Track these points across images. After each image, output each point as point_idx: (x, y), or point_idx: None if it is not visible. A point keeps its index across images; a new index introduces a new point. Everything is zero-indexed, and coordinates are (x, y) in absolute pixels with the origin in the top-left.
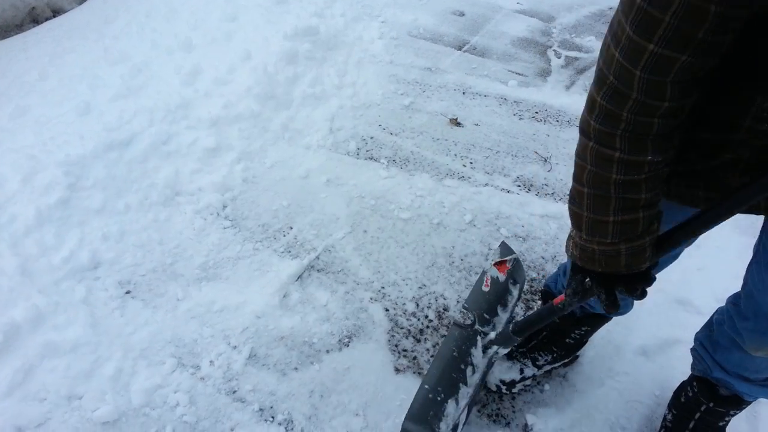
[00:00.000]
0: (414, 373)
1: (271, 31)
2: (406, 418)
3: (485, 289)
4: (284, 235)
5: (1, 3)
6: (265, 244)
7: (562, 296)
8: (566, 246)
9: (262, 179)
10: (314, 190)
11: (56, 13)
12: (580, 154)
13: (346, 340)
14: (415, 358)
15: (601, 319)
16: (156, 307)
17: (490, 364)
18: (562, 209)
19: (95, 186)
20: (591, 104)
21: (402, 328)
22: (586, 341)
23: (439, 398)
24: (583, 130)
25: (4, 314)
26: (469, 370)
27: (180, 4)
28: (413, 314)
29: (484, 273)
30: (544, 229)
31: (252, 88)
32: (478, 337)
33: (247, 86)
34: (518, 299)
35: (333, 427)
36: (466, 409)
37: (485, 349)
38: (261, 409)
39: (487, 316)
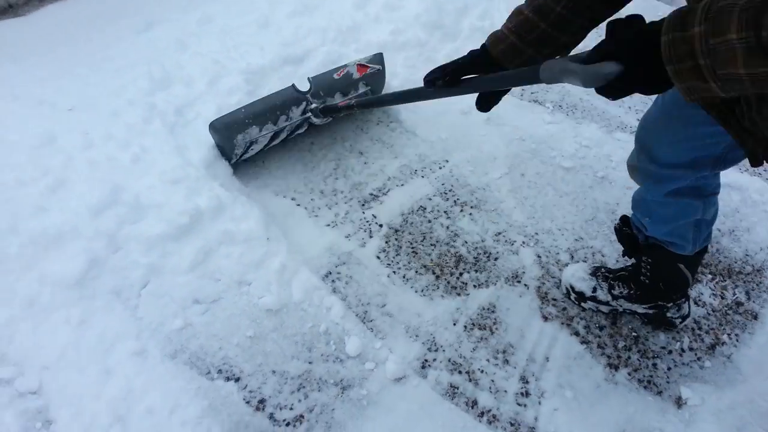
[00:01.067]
0: (562, 323)
1: None
2: (213, 121)
3: (336, 76)
4: (440, 168)
5: None
6: (420, 174)
7: (344, 101)
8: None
9: (423, 111)
10: (473, 127)
11: None
12: None
13: (495, 279)
14: (564, 309)
15: (660, 252)
16: (318, 218)
17: (301, 125)
18: (747, 181)
19: None
20: None
21: (553, 278)
22: (664, 288)
23: (247, 120)
24: None
25: (191, 200)
26: (282, 117)
27: None
28: (566, 265)
29: (345, 66)
30: (724, 200)
31: (420, 15)
32: (304, 103)
33: (415, 13)
34: (366, 92)
35: (475, 358)
36: (268, 139)
37: (303, 112)
38: (407, 328)
39: (322, 93)
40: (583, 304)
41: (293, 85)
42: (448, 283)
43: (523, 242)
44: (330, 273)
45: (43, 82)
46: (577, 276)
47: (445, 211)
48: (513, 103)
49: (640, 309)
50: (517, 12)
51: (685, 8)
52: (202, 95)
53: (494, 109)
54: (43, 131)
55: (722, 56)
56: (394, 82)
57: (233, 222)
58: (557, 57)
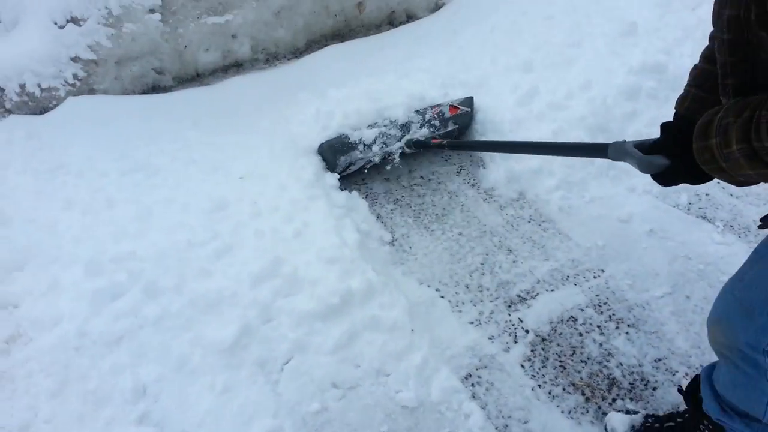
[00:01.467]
0: None
1: (615, 63)
2: (322, 143)
3: (431, 114)
4: (595, 277)
5: (370, 4)
6: (572, 280)
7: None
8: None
9: (578, 212)
10: (634, 238)
11: (410, 18)
12: None
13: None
14: None
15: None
16: (462, 313)
17: (395, 152)
18: None
19: None
20: None
21: None
22: None
23: (352, 144)
24: None
25: (344, 281)
26: (380, 146)
27: (524, 24)
28: None
29: (439, 105)
30: None
31: (586, 117)
32: (401, 134)
33: (581, 115)
34: (454, 133)
35: None
36: (364, 162)
37: (399, 139)
38: None
39: (417, 127)
40: None
41: (396, 120)
42: (599, 408)
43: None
44: (470, 375)
45: (220, 148)
46: (625, 424)
47: (598, 326)
48: (678, 216)
49: None
50: (693, 68)
51: (708, 119)
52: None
53: (657, 219)
54: (217, 196)
55: (734, 162)
56: (549, 181)
57: (381, 309)
58: (624, 140)
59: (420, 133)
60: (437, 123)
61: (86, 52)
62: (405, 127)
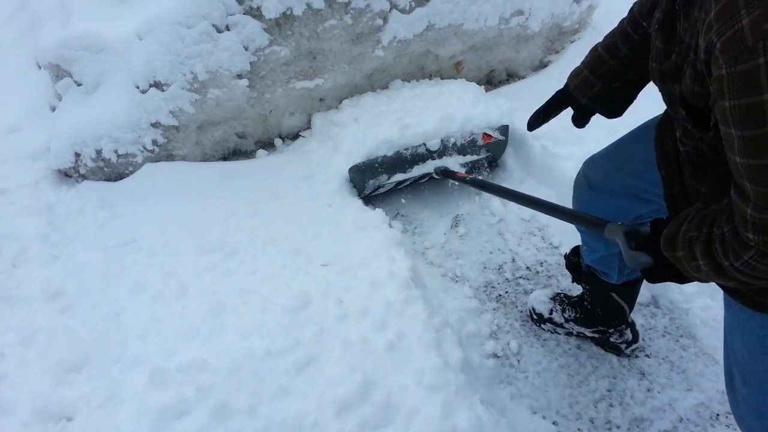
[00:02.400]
0: None
1: None
2: (351, 167)
3: (463, 141)
4: None
5: (469, 63)
6: (724, 421)
7: (462, 173)
8: None
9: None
10: None
11: (511, 77)
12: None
13: None
14: None
15: (594, 280)
16: None
17: (422, 176)
18: None
19: None
20: None
21: None
22: (602, 314)
23: (380, 169)
24: None
25: (447, 418)
26: (409, 170)
27: None
28: None
29: (473, 133)
30: None
31: None
32: (429, 160)
33: None
34: (482, 163)
35: None
36: (394, 184)
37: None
38: None
39: (449, 153)
40: (542, 325)
41: (425, 145)
42: None
43: None
44: None
45: (302, 225)
46: (539, 299)
47: None
48: None
49: (587, 332)
50: (593, 49)
51: (674, 231)
52: None
53: None
54: (299, 291)
55: (705, 274)
56: (688, 286)
57: None
58: (619, 222)
59: (452, 160)
60: (469, 149)
61: (168, 117)
62: (437, 153)
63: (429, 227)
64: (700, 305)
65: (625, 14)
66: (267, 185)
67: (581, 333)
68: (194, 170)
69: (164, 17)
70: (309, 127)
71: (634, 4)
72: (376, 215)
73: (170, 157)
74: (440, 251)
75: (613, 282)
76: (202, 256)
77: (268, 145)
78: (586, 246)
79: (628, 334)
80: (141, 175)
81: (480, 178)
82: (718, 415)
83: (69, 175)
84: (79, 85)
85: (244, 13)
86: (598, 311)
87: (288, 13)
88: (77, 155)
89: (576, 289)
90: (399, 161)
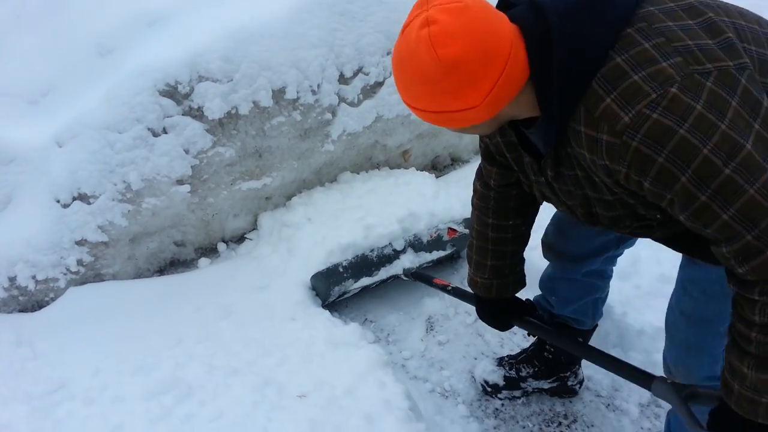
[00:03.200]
0: None
1: None
2: (314, 275)
3: (428, 238)
4: None
5: (415, 150)
6: None
7: (441, 280)
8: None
9: None
10: None
11: (455, 161)
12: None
13: None
14: None
15: (567, 330)
16: None
17: (388, 278)
18: None
19: None
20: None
21: None
22: (565, 361)
23: (345, 274)
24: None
25: None
26: (375, 272)
27: None
28: None
29: (437, 228)
30: None
31: None
32: (398, 261)
33: None
34: (453, 253)
35: None
36: (359, 288)
37: (394, 270)
38: None
39: (414, 251)
40: (498, 395)
41: (390, 244)
42: None
43: None
44: None
45: (265, 347)
46: (487, 370)
47: None
48: None
49: (546, 384)
50: (479, 255)
51: (750, 398)
52: None
53: None
54: None
55: None
56: None
57: None
58: (670, 380)
59: (418, 258)
60: (435, 246)
61: (95, 233)
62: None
63: (402, 333)
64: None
65: None
66: (216, 300)
67: (538, 388)
68: (128, 290)
69: (89, 122)
70: (255, 228)
71: (481, 183)
72: (352, 330)
73: (98, 277)
74: (421, 361)
75: (587, 328)
76: (151, 400)
77: (210, 251)
78: (556, 297)
79: (581, 374)
80: (64, 301)
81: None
82: None
83: None
84: None
85: (183, 114)
86: (561, 358)
87: (233, 112)
88: None
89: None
90: (365, 264)
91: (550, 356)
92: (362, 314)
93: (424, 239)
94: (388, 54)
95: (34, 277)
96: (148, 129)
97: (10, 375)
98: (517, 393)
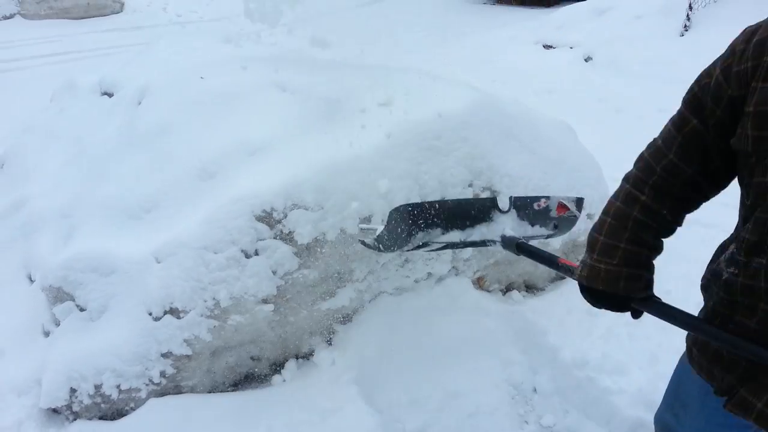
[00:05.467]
0: None
1: None
2: (396, 207)
3: (536, 206)
4: None
5: (489, 278)
6: None
7: (569, 261)
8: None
9: None
10: None
11: (529, 288)
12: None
13: None
14: None
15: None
16: None
17: (482, 243)
18: None
19: None
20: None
21: None
22: None
23: (436, 218)
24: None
25: None
26: (469, 228)
27: None
28: None
29: (549, 198)
30: None
31: None
32: (495, 224)
33: None
34: (550, 235)
35: None
36: (442, 246)
37: (492, 234)
38: None
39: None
40: None
41: (495, 199)
42: None
43: None
44: None
45: None
46: None
47: None
48: None
49: None
50: (633, 232)
51: None
52: None
53: None
54: None
55: None
56: None
57: None
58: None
59: (517, 227)
60: (538, 219)
61: (181, 347)
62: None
63: None
64: None
65: None
66: (286, 421)
67: None
68: (204, 403)
69: (187, 241)
70: (331, 344)
71: (651, 152)
72: None
73: (177, 389)
74: None
75: None
76: None
77: (283, 366)
78: None
79: None
80: (144, 411)
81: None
82: None
83: (59, 412)
84: (82, 310)
85: (275, 238)
86: None
87: (320, 237)
88: (73, 391)
89: None
90: (459, 213)
91: None
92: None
93: (535, 205)
94: (469, 186)
95: (118, 386)
96: (242, 251)
97: None
98: None
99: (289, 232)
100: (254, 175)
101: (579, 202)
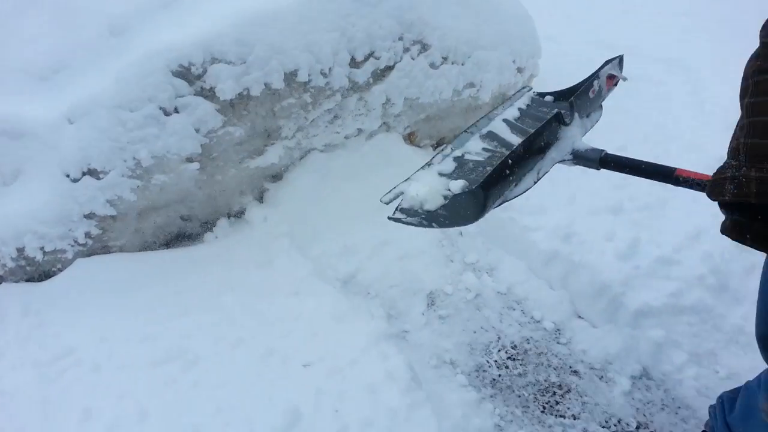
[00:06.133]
0: None
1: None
2: (479, 186)
3: (591, 95)
4: None
5: (420, 133)
6: None
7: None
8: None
9: (717, 394)
10: None
11: None
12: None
13: None
14: None
15: None
16: None
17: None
18: None
19: None
20: None
21: None
22: None
23: (511, 178)
24: None
25: None
26: (539, 162)
27: None
28: None
29: (598, 77)
30: None
31: (706, 277)
32: (562, 141)
33: (699, 274)
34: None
35: None
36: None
37: (562, 153)
38: None
39: (577, 128)
40: None
41: (560, 114)
42: None
43: None
44: None
45: (269, 319)
46: None
47: None
48: None
49: None
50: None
51: None
52: None
53: None
54: (286, 404)
55: None
56: (677, 356)
57: None
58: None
59: (582, 130)
60: (593, 107)
61: (104, 207)
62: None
63: (404, 308)
64: (692, 374)
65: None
66: (221, 274)
67: None
68: (135, 262)
69: (101, 100)
70: (262, 201)
71: None
72: (355, 304)
73: (105, 249)
74: (421, 334)
75: None
76: (158, 368)
77: (214, 225)
78: None
79: None
80: (72, 272)
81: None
82: None
83: None
84: None
85: (195, 95)
86: None
87: (244, 93)
88: None
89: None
90: (530, 150)
91: None
92: (364, 289)
93: (590, 93)
94: (399, 39)
95: (42, 249)
96: (160, 108)
97: (18, 342)
98: None
99: (211, 88)
100: (169, 27)
101: (620, 63)
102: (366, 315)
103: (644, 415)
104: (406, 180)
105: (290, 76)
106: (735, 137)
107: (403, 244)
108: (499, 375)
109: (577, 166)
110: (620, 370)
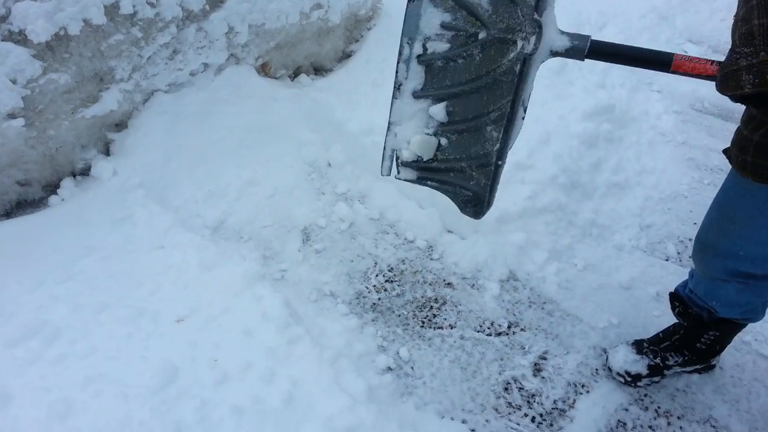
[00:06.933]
0: None
1: (565, 109)
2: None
3: None
4: None
5: (275, 63)
6: (603, 374)
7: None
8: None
9: (577, 286)
10: (644, 306)
11: (318, 70)
12: None
13: None
14: None
15: (730, 326)
16: None
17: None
18: None
19: None
20: None
21: None
22: (719, 349)
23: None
24: None
25: None
26: (521, 111)
27: None
28: None
29: None
30: None
31: (557, 176)
32: (537, 62)
33: (551, 174)
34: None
35: None
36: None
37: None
38: None
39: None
40: (638, 383)
41: (525, 60)
42: None
43: None
44: None
45: (135, 277)
46: (628, 360)
47: (650, 427)
48: (674, 271)
49: (689, 369)
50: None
51: None
52: None
53: (658, 279)
54: (160, 361)
55: None
56: (538, 255)
57: None
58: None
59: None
60: None
61: None
62: None
63: (279, 246)
64: (553, 270)
65: None
66: (75, 238)
67: (679, 372)
68: None
69: None
70: (109, 154)
71: None
72: (224, 250)
73: None
74: (299, 271)
75: (756, 321)
76: (17, 347)
77: (58, 187)
78: (718, 302)
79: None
80: None
81: None
82: (597, 370)
83: None
84: None
85: (3, 40)
86: (717, 348)
87: (61, 33)
88: None
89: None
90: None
91: (704, 347)
92: (236, 234)
93: None
94: None
95: None
96: None
97: None
98: (657, 378)
99: (20, 30)
100: None
101: None
102: (238, 259)
103: (514, 315)
104: (388, 129)
105: (112, 9)
106: (743, 20)
107: (272, 182)
108: (379, 299)
109: None
110: (489, 276)
